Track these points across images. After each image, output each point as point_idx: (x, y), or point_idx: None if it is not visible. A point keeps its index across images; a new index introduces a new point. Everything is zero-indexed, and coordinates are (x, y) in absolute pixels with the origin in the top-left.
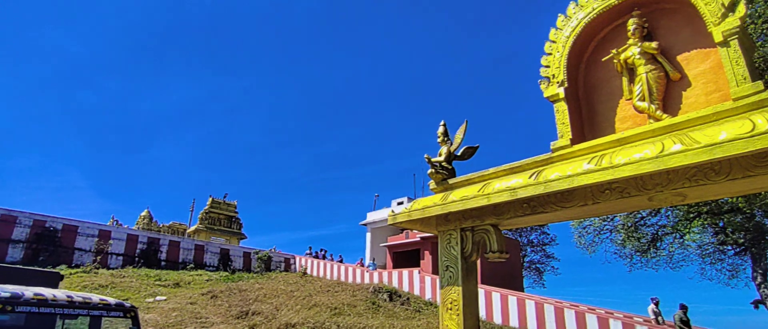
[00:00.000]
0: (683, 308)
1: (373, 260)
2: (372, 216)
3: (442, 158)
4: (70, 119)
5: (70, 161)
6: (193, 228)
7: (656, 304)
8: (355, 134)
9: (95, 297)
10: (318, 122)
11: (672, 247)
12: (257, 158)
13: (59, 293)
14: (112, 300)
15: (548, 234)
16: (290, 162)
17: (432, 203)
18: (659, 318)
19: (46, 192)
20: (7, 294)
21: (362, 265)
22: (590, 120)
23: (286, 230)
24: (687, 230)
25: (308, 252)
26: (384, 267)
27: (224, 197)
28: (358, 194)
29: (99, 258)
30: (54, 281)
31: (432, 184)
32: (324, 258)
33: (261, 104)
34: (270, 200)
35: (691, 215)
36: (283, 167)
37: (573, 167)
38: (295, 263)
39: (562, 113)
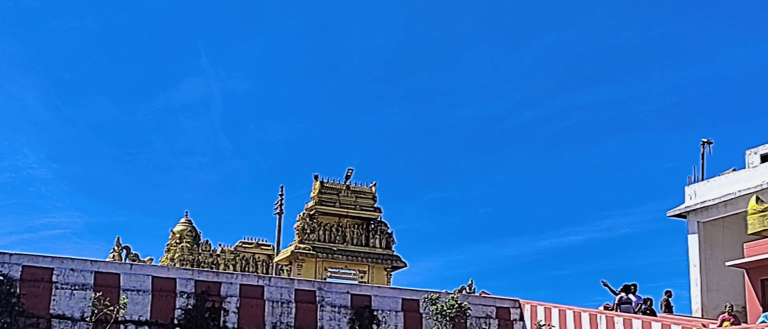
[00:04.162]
0: None
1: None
2: (700, 194)
3: None
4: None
5: (18, 126)
6: (285, 252)
7: None
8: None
9: None
10: None
11: None
12: (401, 88)
13: None
14: None
15: None
16: (472, 87)
17: None
18: None
19: None
20: None
21: (730, 317)
22: None
23: (488, 240)
24: None
25: (616, 301)
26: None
27: (347, 177)
28: (649, 144)
29: None
30: None
31: None
32: (620, 305)
33: None
34: (438, 181)
35: None
36: (461, 99)
37: None
38: (523, 317)
39: None
